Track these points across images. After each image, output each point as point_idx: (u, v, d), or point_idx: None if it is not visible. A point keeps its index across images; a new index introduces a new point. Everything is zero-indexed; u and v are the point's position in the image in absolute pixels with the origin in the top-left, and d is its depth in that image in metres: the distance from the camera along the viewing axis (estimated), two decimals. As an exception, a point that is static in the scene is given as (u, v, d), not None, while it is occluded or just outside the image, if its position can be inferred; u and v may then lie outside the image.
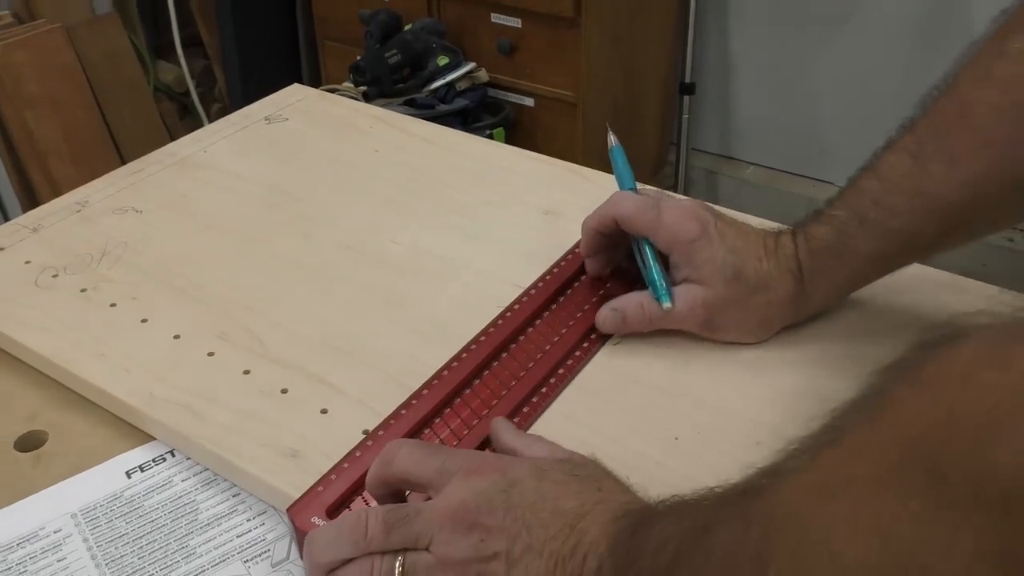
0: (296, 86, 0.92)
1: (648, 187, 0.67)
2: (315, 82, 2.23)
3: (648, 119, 2.15)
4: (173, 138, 2.24)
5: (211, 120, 2.39)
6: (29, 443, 0.55)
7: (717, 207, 0.60)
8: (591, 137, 1.91)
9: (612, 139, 0.65)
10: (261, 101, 0.88)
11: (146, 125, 2.18)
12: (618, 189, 0.63)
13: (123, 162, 2.08)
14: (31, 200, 1.99)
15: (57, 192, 1.97)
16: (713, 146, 2.28)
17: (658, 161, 2.26)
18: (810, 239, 0.56)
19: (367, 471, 0.47)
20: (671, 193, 0.64)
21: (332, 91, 1.94)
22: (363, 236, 0.69)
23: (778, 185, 2.20)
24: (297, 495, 0.48)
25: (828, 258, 0.55)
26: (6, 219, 2.03)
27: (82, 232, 0.70)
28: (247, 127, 0.84)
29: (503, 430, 0.50)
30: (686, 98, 2.13)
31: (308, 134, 0.83)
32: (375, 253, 0.68)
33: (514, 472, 0.43)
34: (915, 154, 0.52)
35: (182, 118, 2.38)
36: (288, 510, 0.48)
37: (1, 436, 0.55)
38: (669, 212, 0.57)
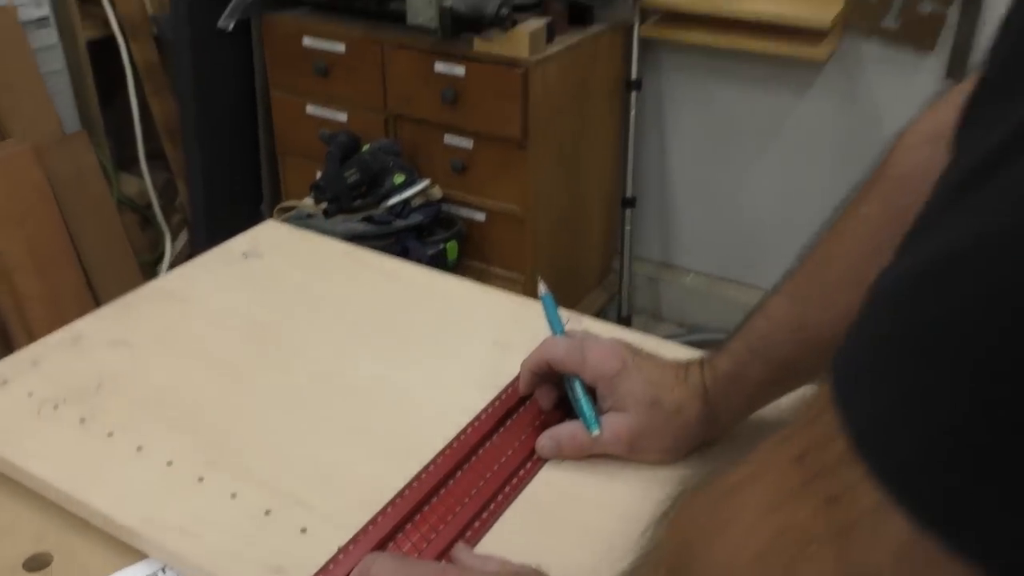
0: (270, 222, 1.01)
1: (575, 328, 0.76)
2: (275, 196, 2.33)
3: (593, 230, 2.29)
4: (135, 250, 2.33)
5: (172, 231, 2.47)
6: (37, 564, 0.61)
7: (635, 343, 0.71)
8: (539, 249, 2.03)
9: (542, 288, 0.76)
10: (238, 237, 0.97)
11: (109, 238, 2.26)
12: (550, 334, 0.73)
13: (86, 275, 2.15)
14: (-6, 312, 2.04)
15: (21, 307, 2.02)
16: (655, 254, 2.42)
17: (603, 269, 2.38)
18: (714, 368, 0.66)
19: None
20: (595, 332, 0.73)
21: (291, 208, 2.05)
22: (333, 367, 0.78)
23: (716, 291, 2.34)
24: (280, 606, 0.56)
25: (728, 384, 0.65)
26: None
27: (78, 365, 0.78)
28: (227, 263, 0.93)
29: (462, 552, 0.59)
30: (628, 210, 2.27)
31: (282, 269, 0.92)
32: (344, 383, 0.76)
33: None
34: (793, 297, 0.63)
35: (143, 229, 2.46)
36: (272, 619, 0.55)
37: (10, 557, 0.62)
38: (593, 352, 0.67)
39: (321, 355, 0.80)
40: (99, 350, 0.80)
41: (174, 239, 2.48)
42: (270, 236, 0.99)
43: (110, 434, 0.70)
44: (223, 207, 2.31)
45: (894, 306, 0.29)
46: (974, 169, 0.27)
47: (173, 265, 2.46)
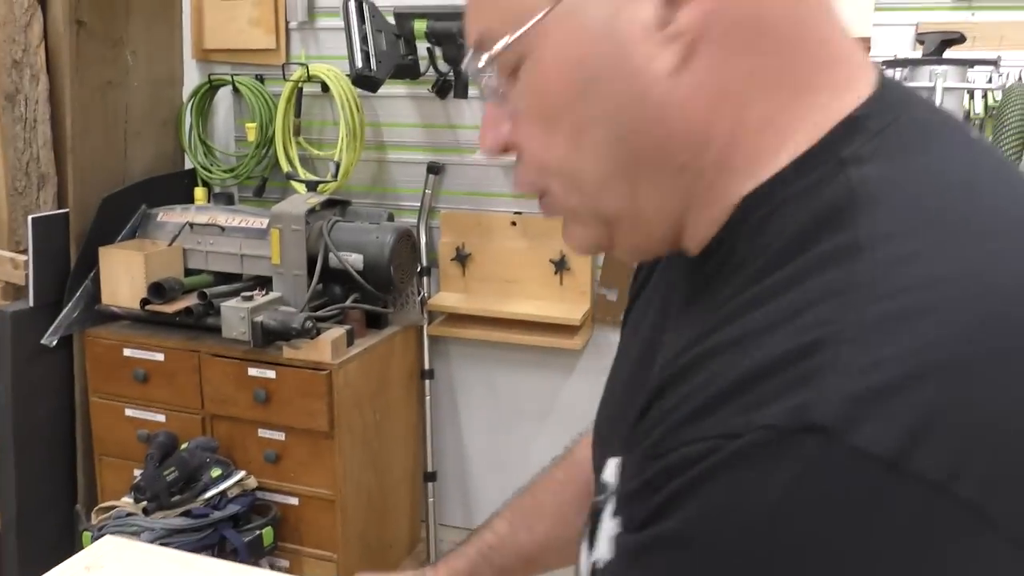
0: (109, 538, 1.19)
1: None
2: (91, 496, 2.41)
3: (400, 504, 2.50)
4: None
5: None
6: None
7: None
8: (350, 527, 2.21)
9: None
10: (81, 553, 1.14)
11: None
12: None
13: None
14: None
15: None
16: (457, 521, 2.65)
17: (412, 540, 2.58)
18: (451, 567, 0.88)
19: None
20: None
21: (111, 508, 2.15)
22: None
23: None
24: None
25: None
26: None
27: None
28: (71, 577, 1.10)
29: None
30: (430, 484, 2.52)
31: (120, 580, 1.10)
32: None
33: None
34: (511, 520, 0.89)
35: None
36: None
37: None
38: None
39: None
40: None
41: (-19, 547, 2.46)
42: (110, 549, 1.16)
43: None
44: (37, 506, 2.35)
45: None
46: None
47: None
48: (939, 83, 1.76)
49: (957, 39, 1.84)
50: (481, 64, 0.49)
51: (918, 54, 1.90)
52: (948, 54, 1.82)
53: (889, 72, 1.31)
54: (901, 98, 0.49)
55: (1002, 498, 0.38)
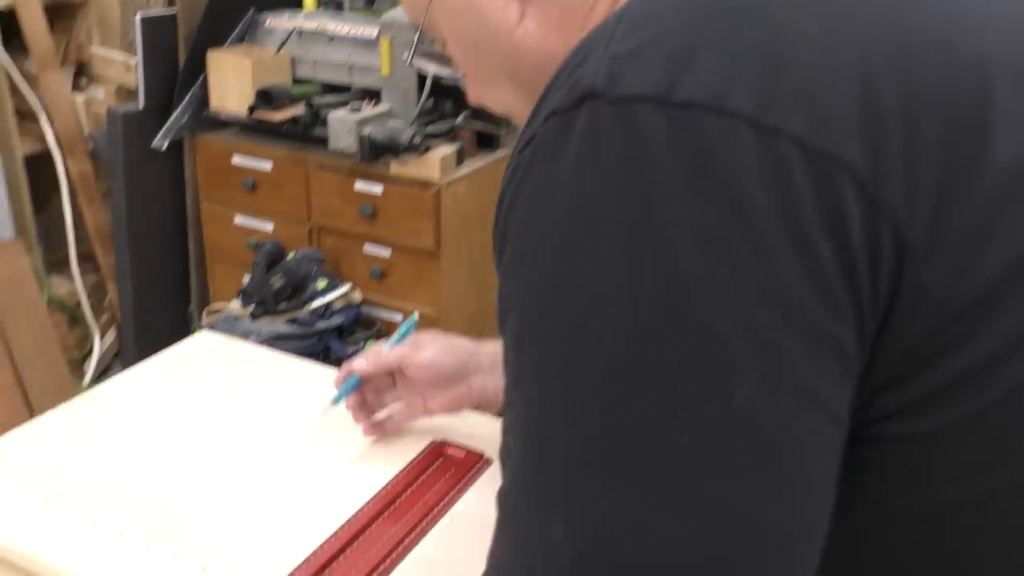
0: (205, 333, 1.18)
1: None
2: (203, 299, 2.48)
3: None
4: (64, 348, 2.43)
5: (100, 330, 2.58)
6: (9, 617, 0.75)
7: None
8: (450, 348, 2.20)
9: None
10: (177, 346, 1.13)
11: (40, 338, 2.36)
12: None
13: (16, 373, 2.25)
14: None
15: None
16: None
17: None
18: None
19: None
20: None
21: (219, 310, 2.19)
22: (250, 456, 0.94)
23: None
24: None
25: None
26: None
27: (39, 456, 0.92)
28: (167, 369, 1.09)
29: None
30: (533, 312, 2.48)
31: (214, 375, 1.08)
32: (267, 468, 0.92)
33: None
34: None
35: (71, 327, 2.56)
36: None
37: (-13, 613, 0.75)
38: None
39: (249, 446, 0.96)
40: (57, 443, 0.94)
41: (102, 337, 2.58)
42: (205, 345, 1.15)
43: (70, 511, 0.84)
44: (151, 309, 2.44)
45: None
46: None
47: (101, 362, 2.56)
48: None
49: None
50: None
51: None
52: None
53: None
54: None
55: (778, 107, 0.40)
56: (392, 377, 0.95)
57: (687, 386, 0.40)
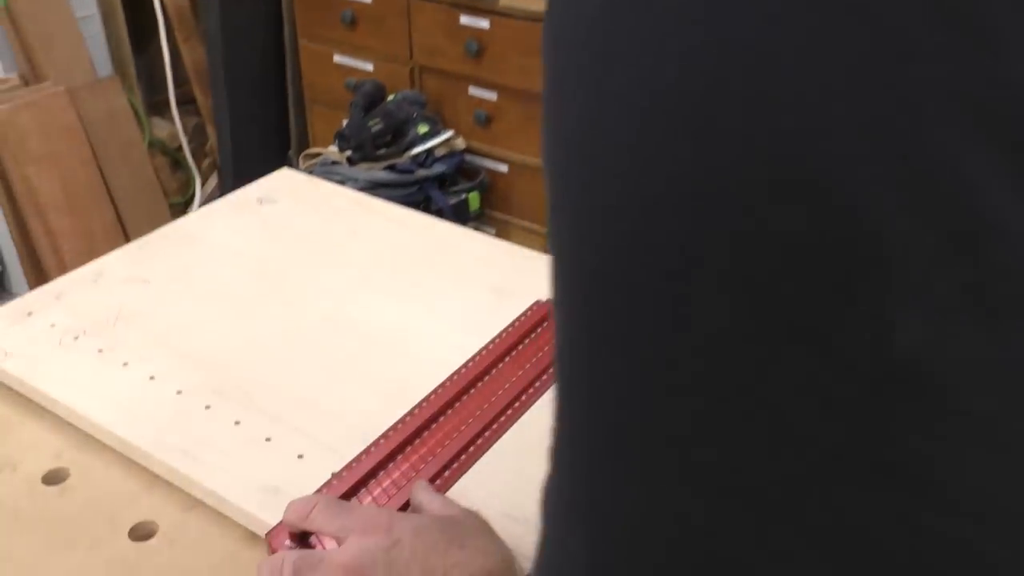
0: (285, 170, 1.05)
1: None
2: (302, 143, 2.37)
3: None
4: (165, 191, 2.39)
5: (202, 174, 2.52)
6: (55, 478, 0.66)
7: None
8: (559, 203, 2.05)
9: None
10: (254, 184, 1.01)
11: (140, 179, 2.32)
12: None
13: (118, 214, 2.22)
14: (29, 250, 2.11)
15: (55, 243, 2.08)
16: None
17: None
18: None
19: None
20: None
21: (317, 155, 2.08)
22: (337, 308, 0.82)
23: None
24: (274, 524, 0.60)
25: None
26: (4, 269, 2.15)
27: (99, 300, 0.82)
28: (242, 208, 0.97)
29: (417, 489, 0.61)
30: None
31: (295, 215, 0.96)
32: (346, 323, 0.80)
33: (398, 532, 0.54)
34: None
35: (173, 172, 2.52)
36: (267, 535, 0.60)
37: (31, 471, 0.67)
38: None
39: (326, 297, 0.84)
40: (119, 286, 0.84)
41: (204, 182, 2.53)
42: (285, 183, 1.02)
43: (125, 364, 0.74)
44: (251, 152, 2.36)
45: None
46: None
47: (203, 207, 2.52)
48: None
49: None
50: None
51: None
52: None
53: None
54: None
55: None
56: None
57: None
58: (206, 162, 2.58)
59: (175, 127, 2.43)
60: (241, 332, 0.79)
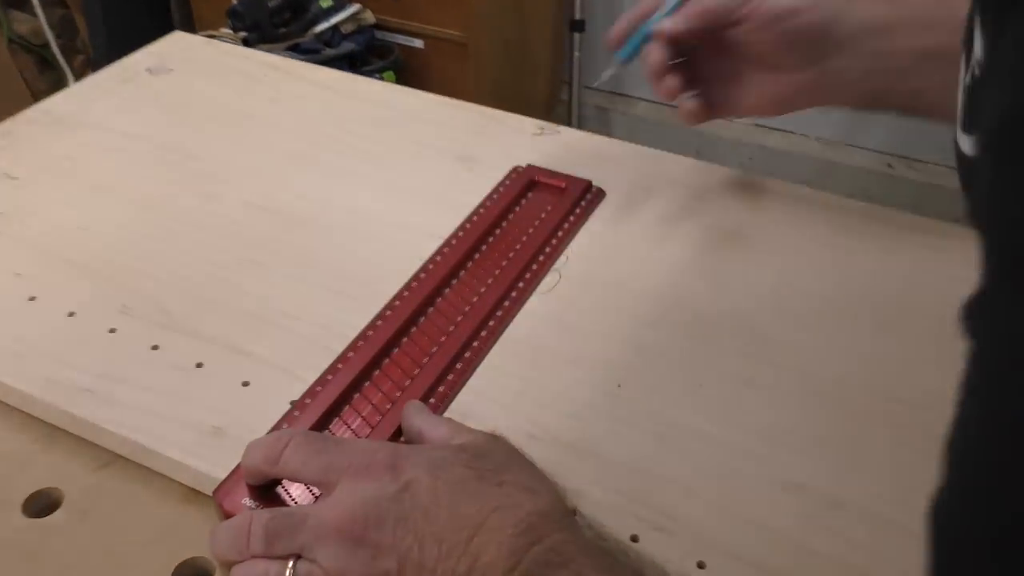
0: (178, 34, 0.85)
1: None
2: (188, 28, 2.11)
3: (539, 58, 2.12)
4: (32, 93, 2.10)
5: (75, 73, 2.24)
6: (-88, 442, 0.49)
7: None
8: (482, 77, 1.87)
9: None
10: (141, 51, 0.81)
11: (2, 80, 2.03)
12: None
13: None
14: None
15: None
16: (604, 83, 2.27)
17: (551, 100, 2.23)
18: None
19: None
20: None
21: (210, 38, 1.84)
22: (269, 192, 0.65)
23: (669, 120, 2.22)
24: (223, 476, 0.45)
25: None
26: None
27: (-50, 204, 0.63)
28: (129, 81, 0.77)
29: (413, 412, 0.46)
30: (577, 35, 2.11)
31: (197, 85, 0.77)
32: (283, 210, 0.63)
33: (407, 470, 0.39)
34: None
35: (42, 72, 2.22)
36: (215, 493, 0.44)
37: None
38: None
39: (254, 181, 0.66)
40: (-24, 185, 0.65)
41: (77, 80, 2.25)
42: (180, 48, 0.83)
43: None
44: (129, 43, 2.08)
45: None
46: None
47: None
48: None
49: None
50: None
51: None
52: None
53: None
54: None
55: None
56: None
57: None
58: (79, 59, 2.29)
59: (38, 20, 2.13)
60: (146, 232, 0.61)
